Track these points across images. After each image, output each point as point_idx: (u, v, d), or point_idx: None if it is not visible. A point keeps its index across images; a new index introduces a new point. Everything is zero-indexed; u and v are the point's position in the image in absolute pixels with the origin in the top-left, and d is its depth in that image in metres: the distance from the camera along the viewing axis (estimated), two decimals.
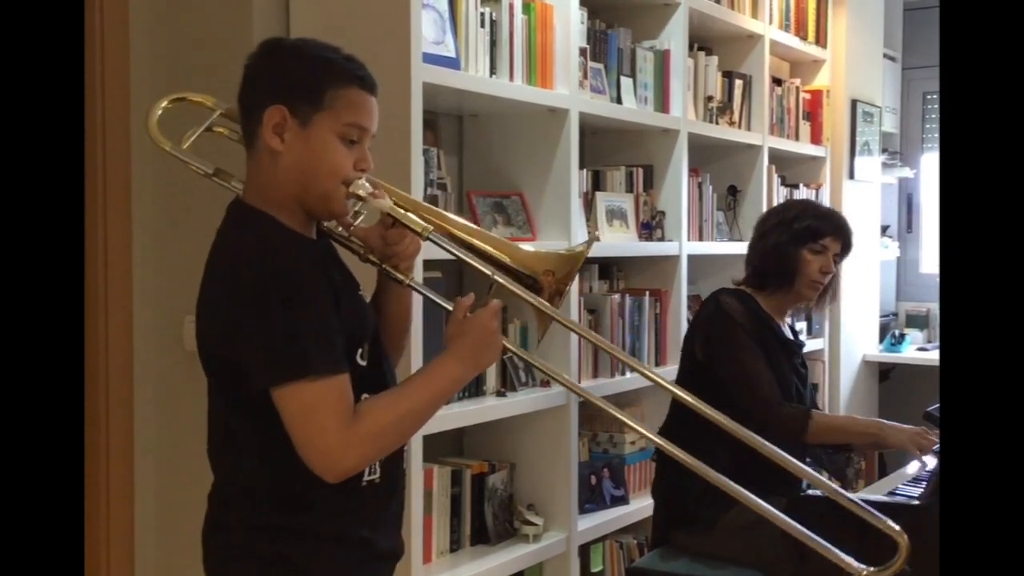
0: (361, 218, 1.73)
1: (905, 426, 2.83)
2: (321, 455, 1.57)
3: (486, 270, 1.76)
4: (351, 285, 1.73)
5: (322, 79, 1.64)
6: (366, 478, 1.67)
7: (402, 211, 1.71)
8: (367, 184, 1.67)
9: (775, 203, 4.25)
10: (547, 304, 1.76)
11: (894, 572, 1.67)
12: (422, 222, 1.71)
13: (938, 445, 2.74)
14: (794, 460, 1.83)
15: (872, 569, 1.69)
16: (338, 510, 1.65)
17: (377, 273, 1.79)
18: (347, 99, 1.64)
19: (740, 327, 2.82)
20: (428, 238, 1.71)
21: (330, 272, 1.67)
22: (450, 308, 1.73)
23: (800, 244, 2.91)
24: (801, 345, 3.09)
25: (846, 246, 2.98)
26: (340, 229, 1.76)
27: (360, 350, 1.67)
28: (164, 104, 1.86)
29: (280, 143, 1.63)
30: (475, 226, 1.86)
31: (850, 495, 1.82)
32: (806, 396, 2.99)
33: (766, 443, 1.82)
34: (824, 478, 1.91)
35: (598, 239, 1.91)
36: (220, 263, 1.65)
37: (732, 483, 1.76)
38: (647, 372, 1.92)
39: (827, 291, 3.01)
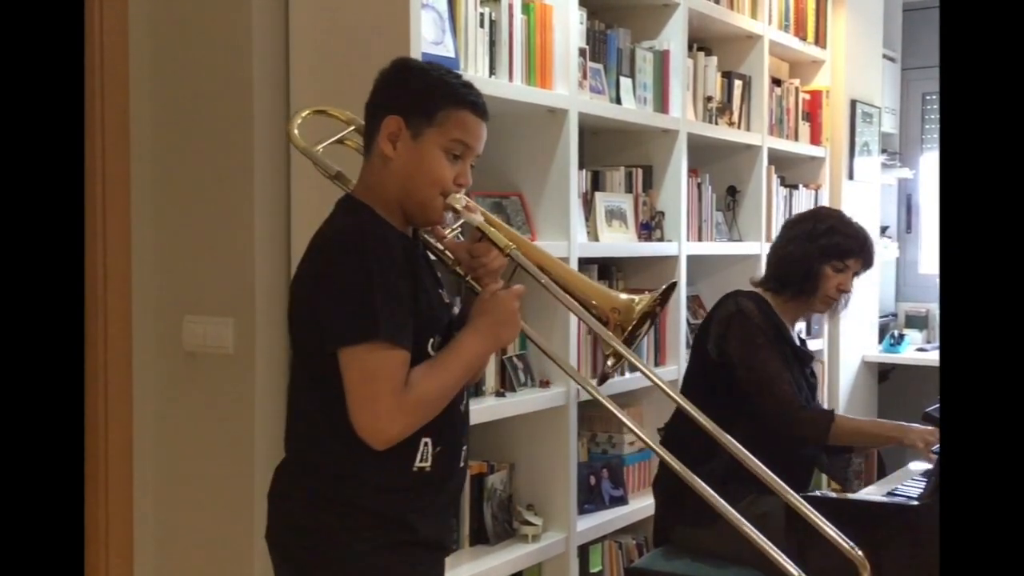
0: (456, 231, 1.94)
1: (927, 429, 2.84)
2: (369, 418, 1.71)
3: (559, 294, 1.90)
4: (434, 284, 1.89)
5: (438, 99, 1.82)
6: (417, 464, 1.81)
7: (489, 227, 1.88)
8: (463, 198, 1.85)
9: (774, 204, 4.26)
10: (615, 338, 1.89)
11: None
12: (505, 239, 1.87)
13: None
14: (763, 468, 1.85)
15: None
16: (383, 489, 1.79)
17: (464, 287, 1.96)
18: (457, 119, 1.82)
19: (759, 329, 2.83)
20: (510, 255, 1.87)
21: (416, 265, 1.83)
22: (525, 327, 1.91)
23: (825, 260, 2.92)
24: (811, 356, 3.10)
25: (867, 266, 3.01)
26: (435, 240, 1.94)
27: (432, 340, 1.82)
28: (305, 114, 2.11)
29: (392, 150, 1.82)
30: (554, 257, 2.00)
31: (815, 512, 1.86)
32: (813, 405, 2.98)
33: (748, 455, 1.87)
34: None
35: (671, 289, 2.01)
36: (318, 241, 1.82)
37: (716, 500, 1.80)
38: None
39: (839, 303, 3.03)
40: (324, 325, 1.73)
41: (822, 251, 2.92)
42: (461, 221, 1.90)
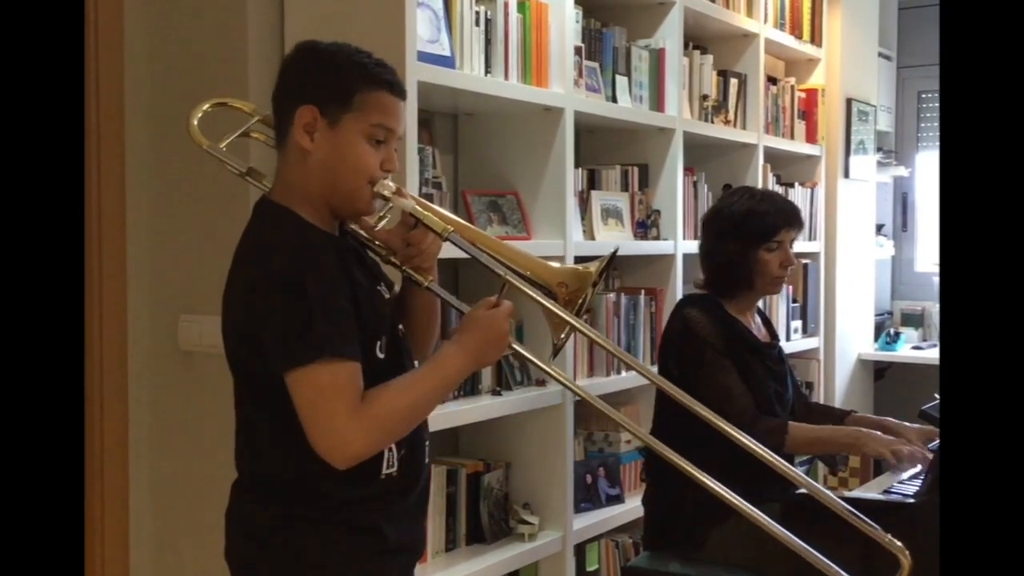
0: (384, 221, 1.79)
1: (883, 436, 2.78)
2: (328, 437, 1.61)
3: (500, 271, 1.79)
4: (372, 281, 1.77)
5: (353, 82, 1.70)
6: (384, 471, 1.72)
7: (423, 212, 1.76)
8: (391, 184, 1.73)
9: None
10: (563, 309, 1.78)
11: None
12: (442, 222, 1.76)
13: (914, 456, 2.71)
14: (787, 466, 1.83)
15: None
16: (352, 500, 1.70)
17: (402, 275, 1.84)
18: (375, 101, 1.70)
19: (707, 345, 2.74)
20: (448, 239, 1.76)
21: (349, 266, 1.71)
22: (466, 310, 1.78)
23: (755, 247, 2.80)
24: (774, 342, 3.00)
25: (799, 228, 2.88)
26: (364, 231, 1.82)
27: (379, 343, 1.71)
28: (205, 107, 1.93)
29: (309, 142, 1.69)
30: (492, 236, 1.91)
31: (850, 508, 1.79)
32: (786, 395, 2.92)
33: (757, 445, 1.81)
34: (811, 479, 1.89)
35: (613, 256, 1.92)
36: (241, 257, 1.71)
37: (725, 491, 1.76)
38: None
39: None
40: (265, 348, 1.62)
41: (749, 240, 2.80)
42: (389, 207, 1.76)
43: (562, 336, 1.85)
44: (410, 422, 1.69)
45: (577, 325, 1.79)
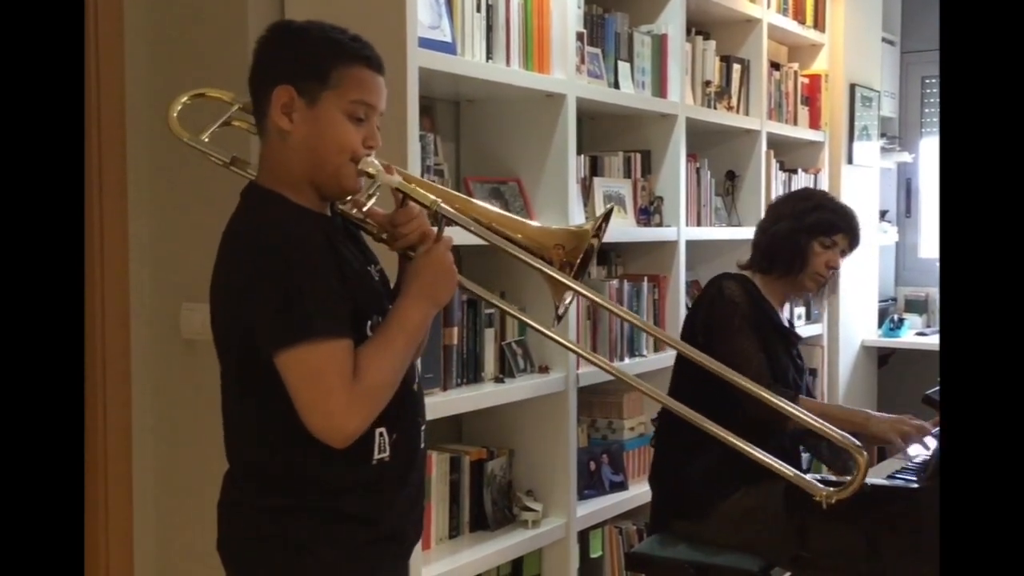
0: (374, 199, 1.75)
1: (888, 416, 2.85)
2: (327, 418, 1.59)
3: (492, 239, 1.77)
4: (363, 260, 1.76)
5: (328, 58, 1.67)
6: (376, 456, 1.68)
7: (411, 186, 1.73)
8: (376, 162, 1.70)
9: (773, 188, 4.25)
10: (559, 272, 1.77)
11: (854, 489, 1.71)
12: (431, 195, 1.73)
13: (921, 432, 2.77)
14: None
15: (834, 489, 1.73)
16: (344, 488, 1.67)
17: (399, 256, 1.81)
18: (353, 77, 1.67)
19: (739, 310, 2.83)
20: (438, 210, 1.72)
21: (338, 245, 1.69)
22: (472, 286, 1.77)
23: (812, 236, 2.94)
24: (798, 337, 3.11)
25: (854, 243, 3.02)
26: (355, 211, 1.79)
27: (369, 322, 1.68)
28: (184, 99, 1.92)
29: (288, 123, 1.66)
30: (483, 203, 1.89)
31: (814, 418, 1.80)
32: (802, 386, 2.98)
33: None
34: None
35: (609, 213, 1.91)
36: (227, 242, 1.68)
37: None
38: (664, 337, 1.92)
39: (827, 284, 3.04)
40: (255, 332, 1.59)
41: (810, 228, 2.94)
42: (377, 185, 1.72)
43: (565, 302, 1.84)
44: (393, 388, 1.66)
45: (574, 286, 1.78)
